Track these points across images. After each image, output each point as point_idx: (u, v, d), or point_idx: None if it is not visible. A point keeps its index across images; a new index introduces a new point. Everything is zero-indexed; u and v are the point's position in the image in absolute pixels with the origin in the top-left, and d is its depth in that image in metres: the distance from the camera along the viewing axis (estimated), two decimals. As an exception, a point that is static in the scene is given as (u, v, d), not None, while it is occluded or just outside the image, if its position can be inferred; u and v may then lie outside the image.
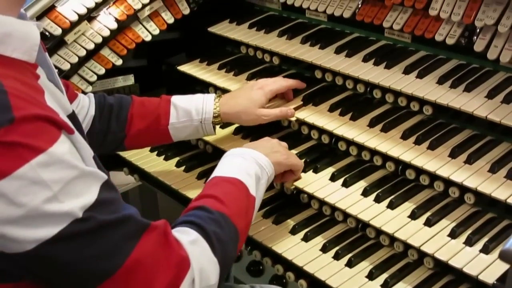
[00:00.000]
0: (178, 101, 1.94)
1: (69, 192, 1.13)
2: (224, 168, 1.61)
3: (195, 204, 1.47)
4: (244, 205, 1.53)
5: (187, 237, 1.33)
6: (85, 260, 1.17)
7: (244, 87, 2.04)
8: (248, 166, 1.61)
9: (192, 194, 1.99)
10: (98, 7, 2.19)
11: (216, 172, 1.60)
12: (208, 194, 1.49)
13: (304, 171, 1.89)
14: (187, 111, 1.92)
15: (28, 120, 1.11)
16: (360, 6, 2.13)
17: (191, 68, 2.37)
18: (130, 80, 2.50)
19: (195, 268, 1.28)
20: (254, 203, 1.56)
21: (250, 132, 2.09)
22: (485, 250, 1.53)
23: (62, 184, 1.13)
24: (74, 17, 2.12)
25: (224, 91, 2.23)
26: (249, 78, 2.23)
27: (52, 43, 2.12)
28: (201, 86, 2.37)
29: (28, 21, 1.27)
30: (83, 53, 2.18)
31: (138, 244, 1.22)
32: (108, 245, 1.19)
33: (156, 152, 2.22)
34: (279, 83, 2.03)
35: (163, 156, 2.19)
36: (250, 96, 1.96)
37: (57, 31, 2.09)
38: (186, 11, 2.36)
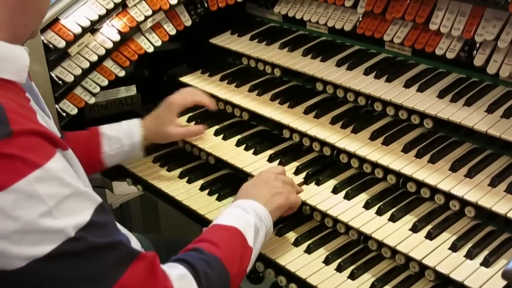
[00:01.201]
0: (108, 130, 2.05)
1: (63, 209, 1.15)
2: (225, 217, 1.63)
3: (190, 246, 1.49)
4: (239, 253, 1.53)
5: (175, 271, 1.35)
6: (73, 281, 1.18)
7: (158, 109, 2.13)
8: (247, 216, 1.62)
9: (194, 205, 2.01)
10: (101, 19, 2.20)
11: (216, 220, 1.63)
12: (204, 239, 1.52)
13: (306, 183, 1.92)
14: (118, 138, 2.03)
15: (25, 134, 1.14)
16: (361, 19, 2.16)
17: (192, 80, 2.39)
18: (132, 90, 2.52)
19: None
20: (250, 254, 1.57)
21: (252, 145, 2.11)
22: (486, 263, 1.56)
23: (56, 200, 1.15)
24: (78, 30, 2.14)
25: (226, 102, 2.26)
26: (250, 90, 2.25)
27: (56, 55, 2.14)
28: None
29: (18, 45, 1.30)
30: (86, 65, 2.20)
31: (127, 271, 1.24)
32: (97, 269, 1.21)
33: (159, 163, 2.24)
34: (185, 97, 2.11)
35: (166, 167, 2.21)
36: (158, 116, 2.08)
37: (61, 43, 2.11)
38: (188, 22, 2.38)
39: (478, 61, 1.87)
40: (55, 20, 2.12)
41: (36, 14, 1.34)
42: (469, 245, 1.62)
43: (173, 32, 2.36)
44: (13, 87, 1.25)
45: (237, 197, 1.75)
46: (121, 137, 2.04)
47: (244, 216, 1.62)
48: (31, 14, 1.31)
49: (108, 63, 2.28)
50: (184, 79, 2.41)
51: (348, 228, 1.80)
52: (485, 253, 1.59)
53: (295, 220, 1.90)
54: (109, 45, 2.23)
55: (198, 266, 1.39)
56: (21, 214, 1.11)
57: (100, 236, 1.21)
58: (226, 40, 2.44)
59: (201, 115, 2.33)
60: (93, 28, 2.21)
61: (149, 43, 2.33)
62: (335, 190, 1.87)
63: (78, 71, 2.18)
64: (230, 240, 1.54)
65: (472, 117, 1.77)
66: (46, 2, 1.37)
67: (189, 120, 2.31)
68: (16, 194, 1.11)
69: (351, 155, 1.91)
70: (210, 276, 1.39)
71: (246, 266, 1.56)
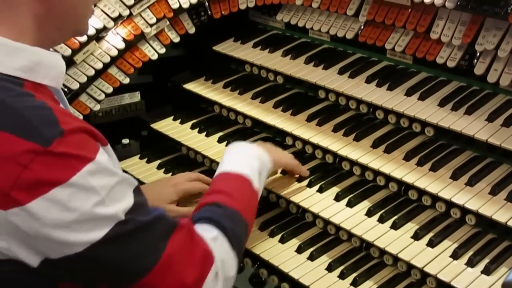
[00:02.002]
0: None
1: (113, 196, 1.24)
2: (230, 163, 1.71)
3: (209, 199, 1.58)
4: (250, 200, 1.65)
5: (209, 234, 1.44)
6: (127, 258, 1.27)
7: (161, 181, 2.05)
8: (251, 161, 1.72)
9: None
10: (106, 27, 2.23)
11: (223, 167, 1.71)
12: (219, 190, 1.61)
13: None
14: None
15: (75, 132, 1.22)
16: (362, 27, 2.18)
17: (196, 87, 2.42)
18: (136, 97, 2.54)
19: (217, 261, 1.40)
20: (257, 197, 1.70)
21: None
22: (486, 271, 1.58)
23: (107, 189, 1.23)
24: (83, 38, 2.16)
25: (229, 109, 2.29)
26: (253, 97, 2.27)
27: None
28: (206, 104, 2.43)
29: (54, 52, 1.37)
30: (91, 72, 2.22)
31: (170, 241, 1.33)
32: (147, 244, 1.30)
33: (163, 170, 2.27)
34: (193, 185, 2.00)
35: (170, 174, 2.23)
36: (162, 192, 1.96)
37: (67, 51, 2.13)
38: (192, 30, 2.40)
39: (479, 70, 1.89)
40: (61, 29, 2.14)
41: (69, 17, 1.36)
42: (470, 253, 1.65)
43: (177, 39, 2.38)
44: (47, 91, 1.31)
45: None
46: None
47: (248, 160, 1.72)
48: (62, 18, 1.34)
49: (113, 70, 2.30)
50: (188, 86, 2.44)
51: (351, 235, 1.82)
52: (485, 261, 1.62)
53: (298, 227, 1.93)
54: (114, 52, 2.25)
55: (225, 224, 1.48)
56: (77, 205, 1.19)
57: (143, 215, 1.30)
58: (229, 48, 2.46)
59: (205, 121, 2.36)
60: (98, 36, 2.23)
61: (153, 50, 2.36)
62: (338, 198, 1.89)
63: (84, 79, 2.21)
64: (242, 190, 1.65)
65: (473, 125, 1.80)
66: (79, 3, 1.37)
67: (192, 127, 2.34)
68: (72, 187, 1.18)
69: (353, 162, 1.94)
70: (235, 231, 1.50)
71: (255, 211, 1.69)
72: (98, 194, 1.21)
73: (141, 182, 2.21)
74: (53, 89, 1.37)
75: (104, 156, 1.27)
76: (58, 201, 1.18)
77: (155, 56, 2.36)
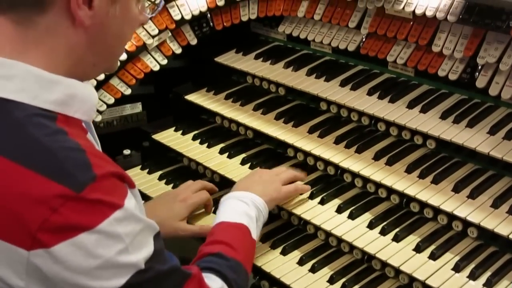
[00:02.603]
0: None
1: (136, 244, 1.23)
2: (229, 212, 1.73)
3: (211, 250, 1.58)
4: (249, 250, 1.68)
5: (214, 285, 1.44)
6: None
7: (167, 197, 2.01)
8: (249, 209, 1.74)
9: (198, 222, 2.02)
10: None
11: (222, 217, 1.72)
12: (221, 241, 1.61)
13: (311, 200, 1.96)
14: None
15: (106, 178, 1.20)
16: (364, 40, 2.19)
17: (198, 98, 2.43)
18: (137, 108, 2.55)
19: None
20: (254, 246, 1.72)
21: (257, 163, 2.14)
22: (488, 284, 1.58)
23: (132, 236, 1.22)
24: (86, 49, 2.16)
25: (231, 121, 2.29)
26: (255, 109, 2.28)
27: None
28: (208, 115, 2.43)
29: (88, 83, 1.36)
30: (93, 83, 2.22)
31: None
32: None
33: (164, 181, 2.26)
34: (201, 196, 1.99)
35: (171, 185, 2.23)
36: (171, 208, 1.93)
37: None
38: (194, 41, 2.41)
39: (480, 83, 1.90)
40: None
41: (106, 55, 1.37)
42: (472, 265, 1.65)
43: (179, 50, 2.39)
44: (78, 122, 1.29)
45: (233, 190, 1.85)
46: None
47: (246, 209, 1.73)
48: (99, 55, 1.34)
49: (115, 81, 2.30)
50: (190, 97, 2.45)
51: (352, 247, 1.82)
52: (487, 274, 1.62)
53: (299, 239, 1.93)
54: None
55: (229, 275, 1.49)
56: (101, 252, 1.17)
57: (161, 263, 1.29)
58: (231, 59, 2.47)
59: (206, 133, 2.36)
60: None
61: (155, 61, 2.36)
62: (339, 210, 1.89)
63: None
64: (242, 240, 1.66)
65: (475, 138, 1.80)
66: (118, 44, 1.39)
67: (194, 138, 2.34)
68: (99, 234, 1.17)
69: (355, 174, 1.94)
70: (238, 282, 1.52)
71: (253, 259, 1.72)
72: (123, 241, 1.19)
73: (142, 194, 2.21)
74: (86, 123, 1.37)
75: (132, 201, 1.26)
76: (83, 247, 1.16)
77: (157, 67, 2.36)
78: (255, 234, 1.70)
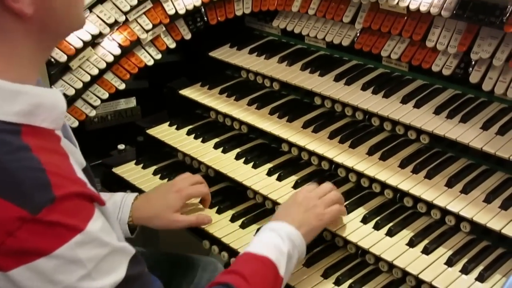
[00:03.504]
0: None
1: (101, 269, 1.18)
2: (258, 244, 1.60)
3: (224, 279, 1.48)
4: (270, 285, 1.53)
5: None
6: None
7: (162, 188, 1.97)
8: (282, 244, 1.59)
9: (193, 218, 2.02)
10: (102, 33, 2.23)
11: (250, 247, 1.59)
12: (237, 271, 1.50)
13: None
14: None
15: (67, 199, 1.15)
16: (358, 34, 2.19)
17: (192, 93, 2.43)
18: (132, 102, 2.55)
19: None
20: (281, 284, 1.56)
21: (252, 158, 2.14)
22: (481, 278, 1.59)
23: (95, 262, 1.17)
24: (79, 44, 2.16)
25: (226, 115, 2.29)
26: (250, 103, 2.28)
27: (57, 69, 2.16)
28: (202, 110, 2.43)
29: (54, 89, 1.32)
30: (87, 78, 2.22)
31: None
32: None
33: (159, 176, 2.26)
34: (197, 189, 1.96)
35: (166, 180, 2.23)
36: (166, 199, 1.88)
37: (63, 57, 2.13)
38: (188, 36, 2.41)
39: (474, 78, 1.91)
40: (57, 35, 2.14)
41: (66, 21, 1.28)
42: (464, 260, 1.66)
43: (173, 45, 2.39)
44: (46, 132, 1.23)
45: (274, 217, 1.73)
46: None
47: (278, 243, 1.59)
48: (59, 24, 1.27)
49: (109, 76, 2.30)
50: (184, 92, 2.45)
51: (346, 242, 1.83)
52: (480, 268, 1.62)
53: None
54: (110, 58, 2.26)
55: None
56: (61, 278, 1.14)
57: None
58: (225, 54, 2.47)
59: (201, 127, 2.36)
60: (94, 42, 2.23)
61: (149, 56, 2.36)
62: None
63: (79, 85, 2.21)
64: (262, 274, 1.52)
65: (468, 134, 1.81)
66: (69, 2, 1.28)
67: (188, 133, 2.34)
68: (58, 259, 1.13)
69: (348, 169, 1.95)
70: None
71: None
72: (85, 267, 1.15)
73: (137, 188, 2.22)
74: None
75: (98, 223, 1.20)
76: (41, 272, 1.12)
77: (151, 62, 2.36)
78: (283, 270, 1.55)
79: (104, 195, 1.80)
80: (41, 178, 1.13)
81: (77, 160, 1.33)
